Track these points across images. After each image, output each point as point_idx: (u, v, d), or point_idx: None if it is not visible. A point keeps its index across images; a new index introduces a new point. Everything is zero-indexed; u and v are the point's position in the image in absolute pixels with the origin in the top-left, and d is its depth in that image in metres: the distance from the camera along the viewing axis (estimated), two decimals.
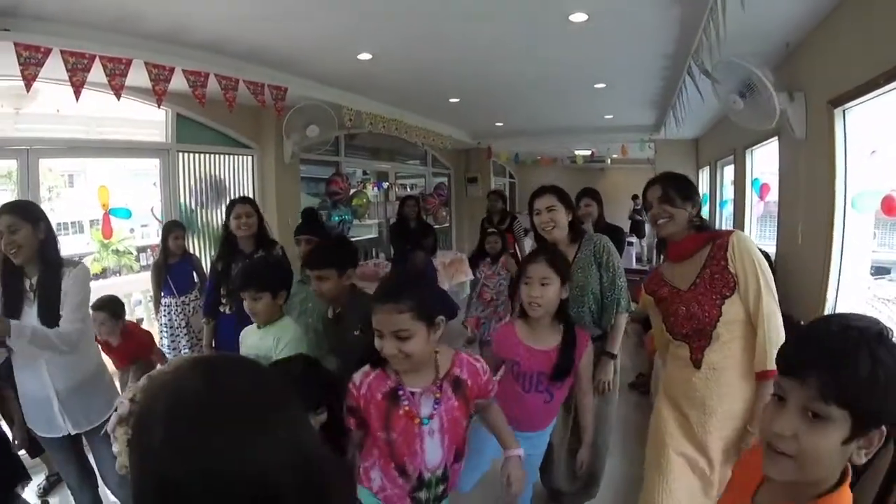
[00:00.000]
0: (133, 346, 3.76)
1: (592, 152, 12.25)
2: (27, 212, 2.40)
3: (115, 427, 0.73)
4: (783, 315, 2.12)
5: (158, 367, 4.16)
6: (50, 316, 2.38)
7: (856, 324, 0.95)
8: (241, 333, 2.67)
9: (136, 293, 5.13)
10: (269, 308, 2.49)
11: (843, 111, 3.30)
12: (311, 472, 0.72)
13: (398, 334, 1.64)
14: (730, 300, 2.08)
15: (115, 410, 0.68)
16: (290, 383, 0.77)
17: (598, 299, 2.81)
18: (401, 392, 1.74)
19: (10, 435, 2.89)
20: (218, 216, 5.45)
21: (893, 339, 0.93)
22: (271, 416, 0.70)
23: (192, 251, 4.84)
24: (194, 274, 4.58)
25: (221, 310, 3.52)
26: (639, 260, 12.19)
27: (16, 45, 3.09)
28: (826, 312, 3.42)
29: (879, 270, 3.90)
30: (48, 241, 2.44)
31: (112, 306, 3.65)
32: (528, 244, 5.98)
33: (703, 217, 2.31)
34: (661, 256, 2.43)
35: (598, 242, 2.82)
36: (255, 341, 2.53)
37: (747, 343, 2.09)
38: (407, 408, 1.73)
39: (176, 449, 0.64)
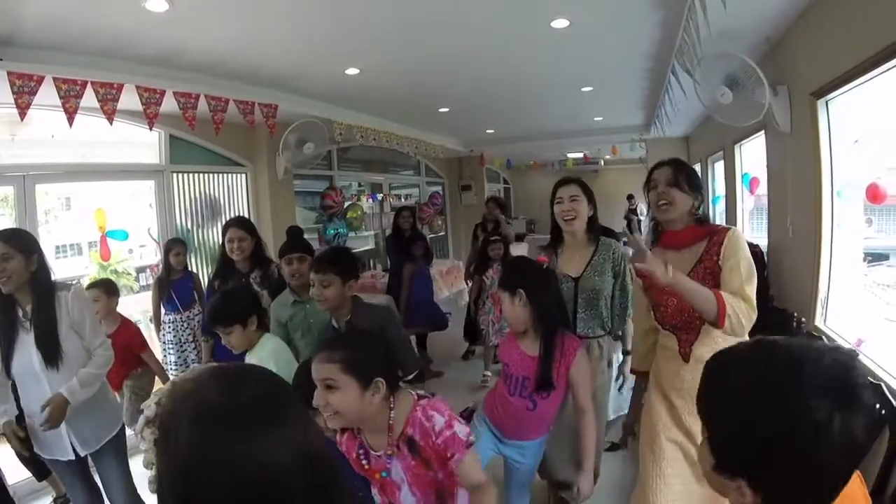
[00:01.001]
0: (127, 337, 3.73)
1: (585, 155, 12.30)
2: (21, 242, 2.39)
3: (142, 428, 0.82)
4: (777, 309, 2.13)
5: (172, 375, 4.21)
6: (48, 342, 2.39)
7: (752, 368, 0.87)
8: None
9: (136, 314, 5.15)
10: (243, 337, 2.55)
11: (826, 102, 3.34)
12: (317, 470, 0.80)
13: (326, 383, 1.58)
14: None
15: (142, 413, 0.76)
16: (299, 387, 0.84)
17: (608, 304, 2.81)
18: (362, 451, 1.75)
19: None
20: (214, 235, 5.50)
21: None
22: (281, 420, 0.78)
23: (191, 270, 4.87)
24: (194, 292, 4.61)
25: None
26: None
27: (9, 73, 3.14)
28: (818, 303, 3.46)
29: (878, 257, 3.92)
30: (40, 271, 2.43)
31: (106, 283, 3.72)
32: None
33: (704, 213, 2.26)
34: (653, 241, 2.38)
35: (617, 251, 2.79)
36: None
37: (734, 337, 2.06)
38: (367, 466, 1.75)
39: (198, 450, 0.73)
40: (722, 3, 2.75)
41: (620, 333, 2.95)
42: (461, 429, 1.65)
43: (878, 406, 2.34)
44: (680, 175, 2.16)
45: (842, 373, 0.79)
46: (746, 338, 2.00)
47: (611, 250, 2.79)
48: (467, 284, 6.23)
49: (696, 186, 2.17)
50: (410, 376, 2.54)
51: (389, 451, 1.69)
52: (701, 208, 2.21)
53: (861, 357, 2.43)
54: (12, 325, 2.39)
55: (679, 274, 1.90)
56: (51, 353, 2.39)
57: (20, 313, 2.41)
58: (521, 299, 2.31)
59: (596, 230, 2.85)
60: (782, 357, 0.84)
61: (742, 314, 1.92)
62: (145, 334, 4.64)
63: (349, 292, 2.58)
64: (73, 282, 2.66)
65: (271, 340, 2.67)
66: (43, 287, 2.43)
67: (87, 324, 2.52)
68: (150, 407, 0.75)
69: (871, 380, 0.91)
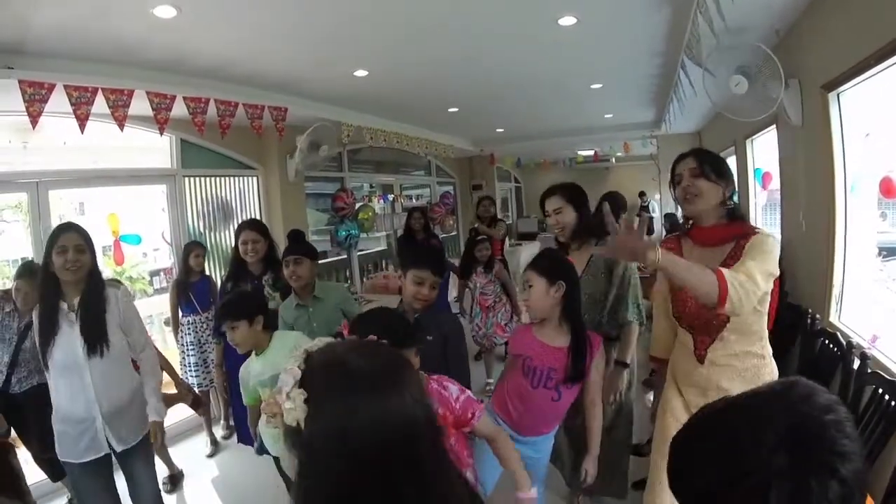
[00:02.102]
0: None
1: (595, 152, 12.25)
2: (90, 238, 2.56)
3: (292, 388, 0.90)
4: (790, 305, 2.09)
5: (192, 377, 4.29)
6: (96, 334, 2.50)
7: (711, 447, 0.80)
8: (243, 366, 2.77)
9: (149, 317, 5.20)
10: (248, 336, 2.63)
11: (837, 95, 3.29)
12: (434, 424, 0.93)
13: None
14: None
15: (290, 375, 0.87)
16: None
17: (603, 308, 2.79)
18: None
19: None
20: (226, 238, 5.54)
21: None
22: (407, 381, 0.91)
23: (207, 273, 4.91)
24: (211, 296, 4.65)
25: None
26: None
27: (20, 82, 3.18)
28: (833, 298, 3.42)
29: (893, 251, 3.87)
30: (96, 266, 2.60)
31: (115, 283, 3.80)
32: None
33: (738, 205, 2.15)
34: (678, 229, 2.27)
35: None
36: (259, 369, 2.66)
37: (750, 343, 2.05)
38: None
39: (350, 409, 0.84)
40: None
41: (615, 334, 2.86)
42: (470, 393, 1.89)
43: (893, 403, 2.31)
44: (705, 164, 2.06)
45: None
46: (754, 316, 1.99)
47: None
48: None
49: (723, 174, 2.07)
50: None
51: None
52: (733, 198, 2.11)
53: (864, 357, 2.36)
54: (55, 319, 2.48)
55: (669, 255, 1.77)
56: (96, 339, 2.49)
57: (64, 307, 2.50)
58: (561, 290, 2.32)
59: (588, 232, 2.83)
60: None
61: (744, 288, 1.75)
62: (159, 337, 4.70)
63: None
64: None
65: (287, 336, 2.74)
66: (96, 280, 2.58)
67: (136, 323, 2.70)
68: (293, 370, 0.86)
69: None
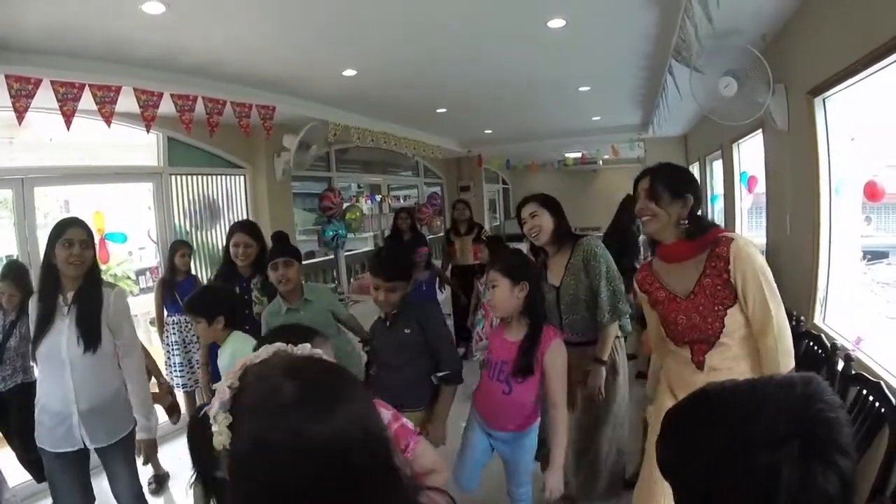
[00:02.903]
0: None
1: (583, 155, 12.32)
2: (92, 234, 2.59)
3: (217, 412, 0.85)
4: None
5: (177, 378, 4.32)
6: (90, 326, 2.50)
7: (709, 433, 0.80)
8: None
9: (134, 315, 5.15)
10: (207, 333, 2.73)
11: (823, 100, 3.33)
12: (381, 445, 0.86)
13: None
14: (732, 310, 2.01)
15: (218, 398, 0.82)
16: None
17: (589, 306, 2.84)
18: None
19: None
20: (213, 237, 5.50)
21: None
22: (348, 399, 0.85)
23: (193, 273, 4.88)
24: None
25: None
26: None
27: (6, 77, 3.14)
28: (817, 301, 3.46)
29: (877, 255, 3.92)
30: (96, 262, 2.62)
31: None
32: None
33: (700, 217, 2.14)
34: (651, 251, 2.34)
35: (588, 247, 2.85)
36: (223, 363, 2.73)
37: (748, 345, 2.05)
38: None
39: (278, 433, 0.78)
40: (716, 1, 2.76)
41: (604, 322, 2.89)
42: (407, 421, 1.72)
43: (877, 404, 2.34)
44: (657, 185, 2.06)
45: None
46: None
47: (581, 250, 2.86)
48: (442, 291, 6.28)
49: (678, 193, 2.05)
50: (446, 372, 2.62)
51: None
52: (697, 211, 2.10)
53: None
54: (51, 313, 2.49)
55: None
56: (91, 335, 2.50)
57: (60, 300, 2.51)
58: (524, 290, 2.42)
59: (567, 236, 2.94)
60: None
61: (784, 350, 1.96)
62: (145, 336, 4.66)
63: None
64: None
65: (236, 340, 2.74)
66: (95, 277, 2.60)
67: (126, 326, 2.68)
68: (224, 391, 0.80)
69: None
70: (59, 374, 2.48)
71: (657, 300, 2.19)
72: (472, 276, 5.67)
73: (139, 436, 2.66)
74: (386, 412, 1.70)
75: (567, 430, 2.47)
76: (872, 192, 3.02)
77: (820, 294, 3.47)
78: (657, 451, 0.89)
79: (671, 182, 2.08)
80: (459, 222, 6.48)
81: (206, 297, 2.84)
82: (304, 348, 1.00)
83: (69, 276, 2.50)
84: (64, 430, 2.51)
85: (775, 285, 2.00)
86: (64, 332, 2.47)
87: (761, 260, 2.01)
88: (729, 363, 2.05)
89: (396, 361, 2.63)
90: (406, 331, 2.59)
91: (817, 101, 3.34)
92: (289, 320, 3.02)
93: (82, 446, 2.55)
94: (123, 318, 2.67)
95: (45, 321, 2.47)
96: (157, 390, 3.87)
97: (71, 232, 2.47)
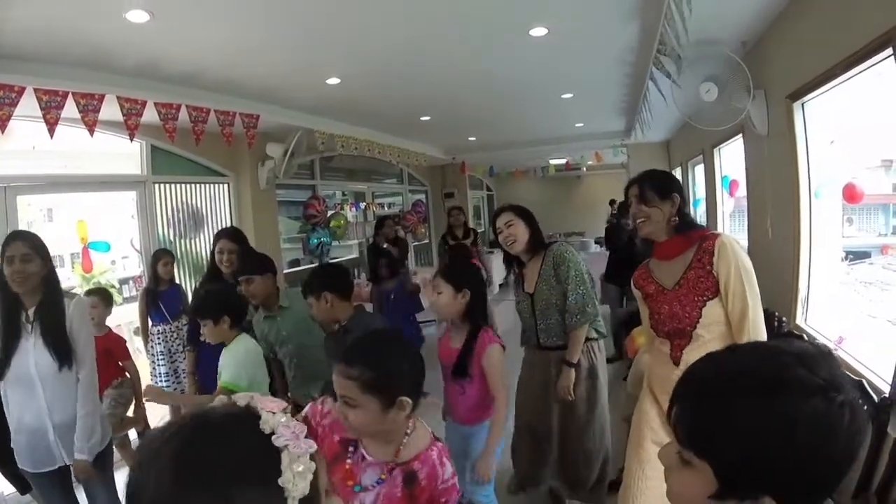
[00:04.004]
0: (109, 343, 3.77)
1: (567, 161, 12.39)
2: (41, 245, 2.47)
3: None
4: None
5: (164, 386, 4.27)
6: (56, 342, 2.41)
7: (745, 367, 0.83)
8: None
9: (118, 325, 5.10)
10: (214, 332, 2.73)
11: (802, 105, 3.40)
12: None
13: (345, 400, 1.45)
14: (711, 302, 2.09)
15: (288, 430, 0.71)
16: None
17: (562, 311, 2.90)
18: (352, 448, 1.58)
19: None
20: (197, 246, 5.47)
21: (791, 390, 0.77)
22: (238, 489, 0.70)
23: (177, 282, 4.84)
24: (181, 304, 4.57)
25: (202, 339, 3.52)
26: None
27: None
28: (799, 302, 3.51)
29: (859, 255, 3.99)
30: (51, 275, 2.50)
31: (104, 293, 3.86)
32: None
33: (687, 215, 2.27)
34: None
35: (557, 252, 2.92)
36: (222, 362, 2.75)
37: (726, 343, 2.10)
38: (349, 466, 1.56)
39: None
40: (689, 10, 2.83)
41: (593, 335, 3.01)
42: (457, 481, 1.61)
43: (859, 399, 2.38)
44: (646, 190, 2.20)
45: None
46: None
47: (551, 256, 2.93)
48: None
49: (665, 194, 2.19)
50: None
51: (383, 476, 1.53)
52: (684, 210, 2.22)
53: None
54: (17, 330, 2.41)
55: None
56: (60, 350, 2.41)
57: (23, 317, 2.43)
58: (466, 297, 2.54)
59: (540, 245, 3.01)
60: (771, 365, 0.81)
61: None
62: (129, 346, 4.61)
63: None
64: (74, 290, 2.69)
65: (245, 341, 2.78)
66: (51, 289, 2.49)
67: (83, 337, 2.53)
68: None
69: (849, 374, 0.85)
70: (29, 391, 2.41)
71: (647, 293, 2.29)
72: None
73: (74, 455, 2.48)
74: (450, 467, 1.58)
75: (503, 418, 2.51)
76: (851, 194, 3.08)
77: (801, 295, 3.52)
78: (674, 420, 0.90)
79: (658, 185, 2.22)
80: (455, 227, 6.55)
81: (208, 298, 2.84)
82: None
83: (23, 293, 2.41)
84: (43, 448, 2.46)
85: (756, 284, 2.09)
86: (30, 350, 2.40)
87: (745, 257, 2.10)
88: None
89: None
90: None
91: (796, 105, 3.40)
92: (268, 327, 3.15)
93: (62, 464, 2.50)
94: (79, 328, 2.53)
95: (11, 340, 2.39)
96: (131, 414, 3.88)
97: (11, 248, 2.38)
